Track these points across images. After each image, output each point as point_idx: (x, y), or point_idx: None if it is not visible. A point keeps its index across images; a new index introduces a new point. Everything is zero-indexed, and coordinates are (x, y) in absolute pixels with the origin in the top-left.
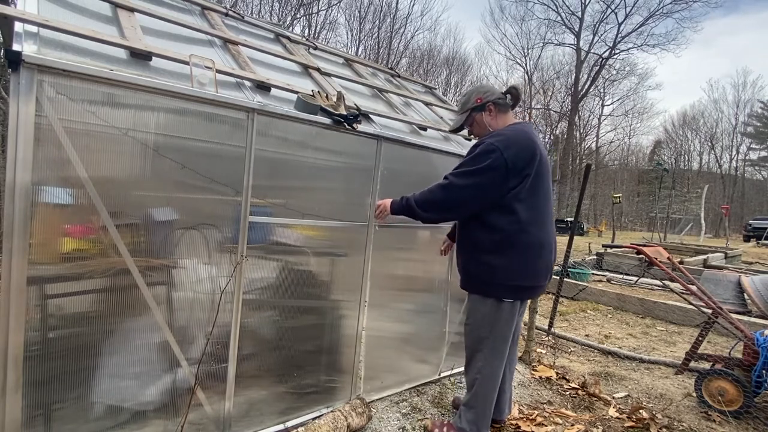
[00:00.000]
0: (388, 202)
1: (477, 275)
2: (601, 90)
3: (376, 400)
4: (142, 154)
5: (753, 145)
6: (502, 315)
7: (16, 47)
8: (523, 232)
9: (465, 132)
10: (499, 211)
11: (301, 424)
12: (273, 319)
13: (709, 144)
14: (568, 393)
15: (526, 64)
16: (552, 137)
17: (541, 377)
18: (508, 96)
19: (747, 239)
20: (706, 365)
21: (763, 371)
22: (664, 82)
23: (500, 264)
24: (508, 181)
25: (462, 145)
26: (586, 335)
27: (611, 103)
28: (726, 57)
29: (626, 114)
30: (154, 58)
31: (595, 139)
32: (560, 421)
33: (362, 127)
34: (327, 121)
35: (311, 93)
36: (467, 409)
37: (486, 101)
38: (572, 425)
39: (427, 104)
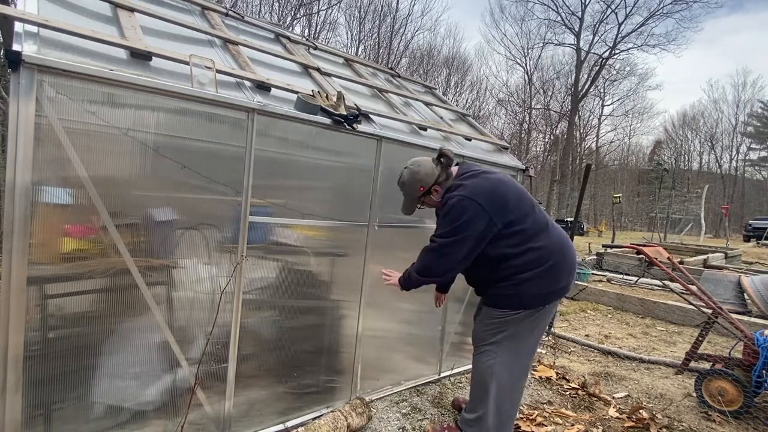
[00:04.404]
0: (396, 279)
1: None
2: (601, 90)
3: (376, 399)
4: (142, 154)
5: (753, 145)
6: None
7: (16, 47)
8: (530, 250)
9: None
10: (498, 243)
11: (301, 424)
12: (273, 319)
13: (709, 144)
14: (568, 393)
15: (526, 64)
16: (552, 137)
17: (541, 377)
18: (443, 159)
19: (747, 239)
20: (706, 365)
21: (763, 371)
22: (664, 82)
23: (524, 285)
24: (493, 219)
25: (462, 146)
26: (586, 335)
27: (611, 104)
28: (728, 56)
29: (626, 114)
30: (154, 58)
31: (595, 139)
32: (560, 421)
33: (362, 127)
34: (327, 121)
35: (311, 93)
36: None
37: (429, 186)
38: (572, 425)
39: (427, 104)
